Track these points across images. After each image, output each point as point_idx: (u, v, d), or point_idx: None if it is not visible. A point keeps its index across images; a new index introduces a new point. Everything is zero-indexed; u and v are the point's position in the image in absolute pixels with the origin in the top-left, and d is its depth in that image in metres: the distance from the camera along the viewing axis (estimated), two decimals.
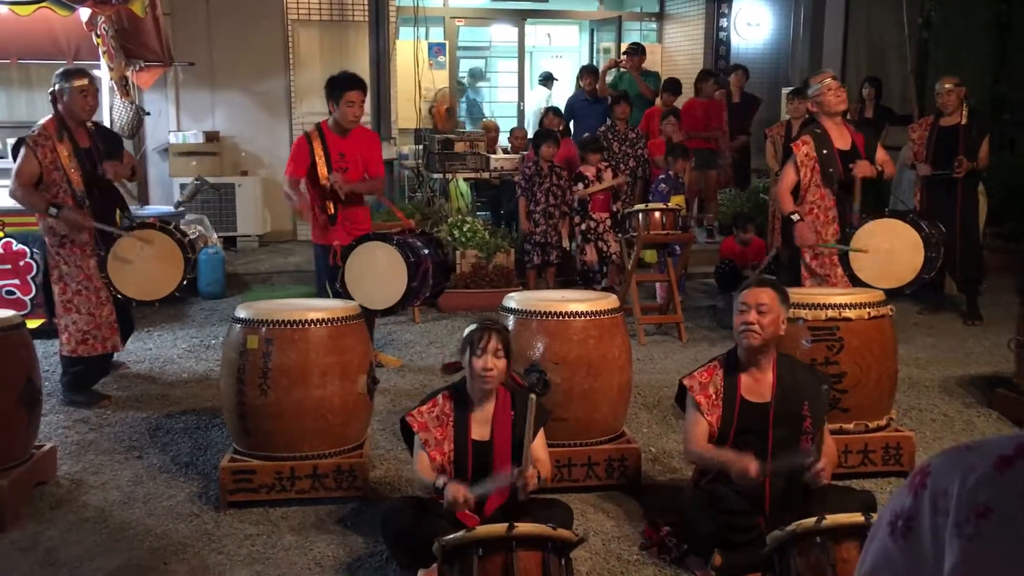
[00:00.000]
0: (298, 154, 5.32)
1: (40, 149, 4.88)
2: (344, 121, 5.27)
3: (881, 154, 5.41)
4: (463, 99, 12.92)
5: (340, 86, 5.25)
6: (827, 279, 5.24)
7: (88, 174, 5.00)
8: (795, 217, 5.24)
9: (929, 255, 4.98)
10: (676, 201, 7.09)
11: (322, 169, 5.24)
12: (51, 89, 5.01)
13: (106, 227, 4.97)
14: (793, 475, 3.32)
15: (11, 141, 8.00)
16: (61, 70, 5.10)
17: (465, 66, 13.37)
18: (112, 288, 4.92)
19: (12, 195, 4.98)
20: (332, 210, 5.29)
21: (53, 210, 4.86)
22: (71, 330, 5.01)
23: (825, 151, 5.24)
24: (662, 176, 7.52)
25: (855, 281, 5.02)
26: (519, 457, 3.23)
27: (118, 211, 5.25)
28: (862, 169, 5.20)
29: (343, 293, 4.81)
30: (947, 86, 6.77)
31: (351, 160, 5.35)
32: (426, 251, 5.13)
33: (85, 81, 5.02)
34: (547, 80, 12.10)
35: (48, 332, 5.87)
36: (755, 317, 3.31)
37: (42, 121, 5.01)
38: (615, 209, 7.54)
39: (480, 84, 13.55)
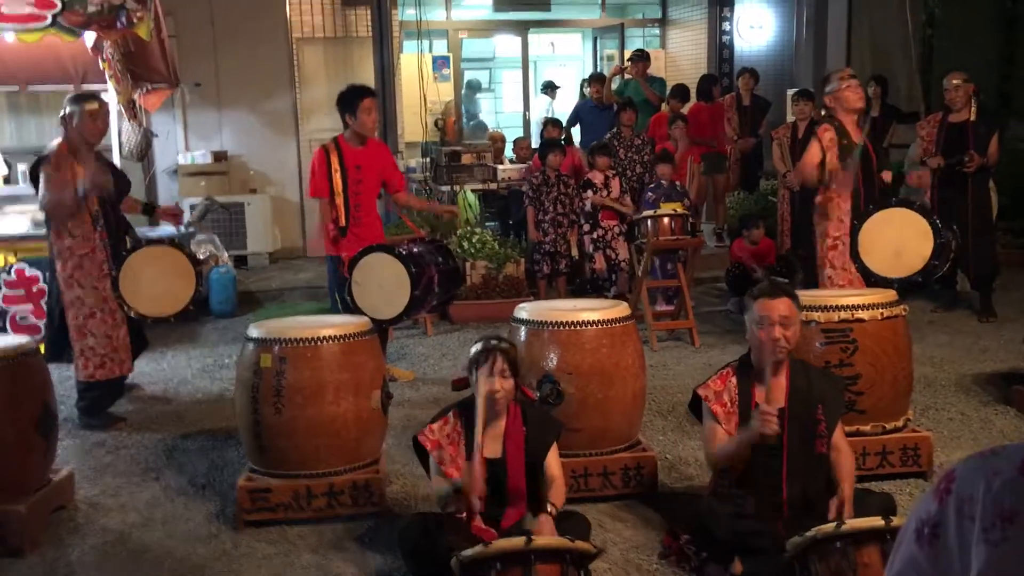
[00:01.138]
0: (318, 171, 5.40)
1: (61, 168, 4.93)
2: (364, 130, 5.39)
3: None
4: (477, 111, 12.98)
5: (354, 96, 5.36)
6: (846, 272, 5.21)
7: (101, 197, 5.04)
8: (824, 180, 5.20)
9: (938, 242, 4.96)
10: (670, 207, 7.03)
11: (337, 183, 5.32)
12: (62, 113, 5.05)
13: (111, 259, 5.00)
14: (809, 483, 3.30)
15: (22, 167, 8.09)
16: (72, 94, 5.16)
17: (473, 78, 13.42)
18: (126, 307, 4.94)
19: (45, 208, 4.97)
20: (344, 222, 5.36)
21: (81, 184, 4.86)
22: (88, 354, 5.02)
23: (844, 141, 5.25)
24: (652, 184, 7.51)
25: (866, 274, 5.01)
26: (533, 473, 3.22)
27: (126, 234, 5.29)
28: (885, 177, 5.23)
29: (351, 303, 4.85)
30: (955, 82, 6.74)
31: (366, 172, 5.44)
32: (432, 260, 5.16)
33: (95, 105, 5.07)
34: (550, 88, 12.11)
35: (58, 356, 5.88)
36: (780, 332, 3.28)
37: (53, 145, 5.05)
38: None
39: (478, 95, 13.57)
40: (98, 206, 5.00)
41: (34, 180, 5.02)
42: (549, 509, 3.14)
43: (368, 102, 5.34)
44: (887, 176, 5.51)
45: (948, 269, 5.56)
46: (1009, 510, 0.95)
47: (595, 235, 7.50)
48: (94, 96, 5.19)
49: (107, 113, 5.28)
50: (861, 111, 5.45)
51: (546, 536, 2.76)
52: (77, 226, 4.96)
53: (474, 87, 13.28)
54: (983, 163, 6.66)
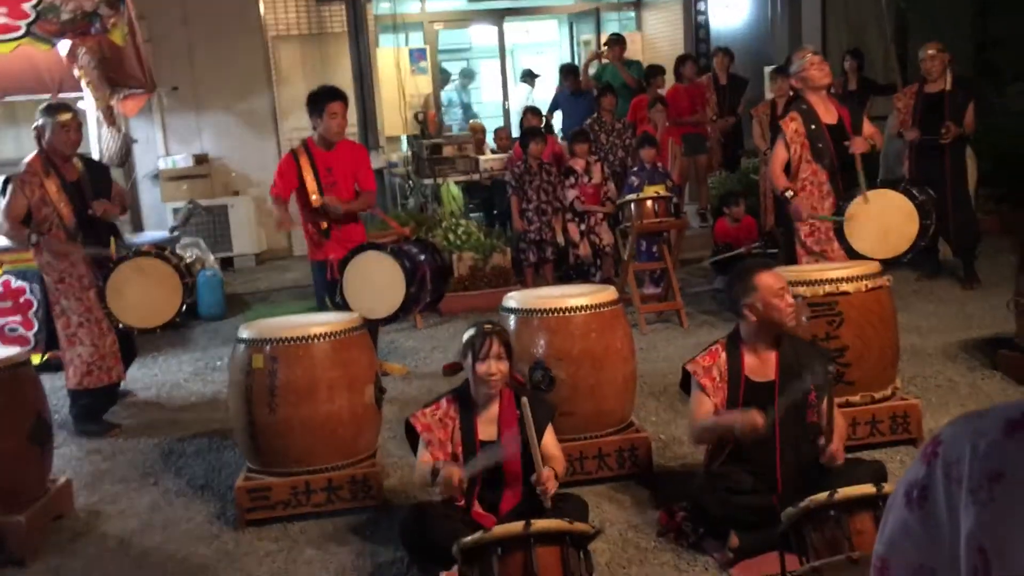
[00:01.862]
0: (285, 173, 5.33)
1: (28, 187, 4.91)
2: (329, 134, 5.30)
3: (868, 127, 5.43)
4: (457, 102, 12.95)
5: (321, 99, 5.27)
6: (824, 255, 5.26)
7: (79, 208, 5.02)
8: (789, 194, 5.26)
9: (924, 223, 5.01)
10: (652, 191, 7.07)
11: (311, 185, 5.26)
12: (35, 125, 5.03)
13: (95, 251, 4.99)
14: (801, 453, 3.35)
15: (1, 178, 8.04)
16: (44, 105, 5.12)
17: (450, 69, 13.38)
18: (113, 319, 4.94)
19: (4, 234, 5.06)
20: (325, 225, 5.32)
21: (34, 237, 4.92)
22: (76, 363, 5.03)
23: (813, 126, 5.26)
24: (635, 168, 7.54)
25: (852, 254, 5.05)
26: (528, 457, 3.26)
27: (112, 240, 5.27)
28: (858, 146, 5.22)
29: (343, 306, 4.83)
30: (930, 52, 6.77)
31: (339, 174, 5.35)
32: (422, 257, 5.15)
33: (67, 116, 5.02)
34: (529, 77, 12.10)
35: (53, 366, 5.89)
36: (791, 299, 3.40)
37: (27, 159, 5.03)
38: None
39: (472, 86, 13.55)
40: (75, 221, 4.97)
41: (3, 195, 5.02)
42: (548, 470, 3.16)
43: (335, 106, 5.23)
44: (860, 143, 5.40)
45: (929, 241, 5.62)
46: (995, 470, 0.97)
47: (581, 227, 7.53)
48: (66, 107, 5.15)
49: (80, 124, 5.22)
50: (828, 86, 5.47)
51: (545, 519, 2.79)
52: (52, 243, 4.95)
53: (468, 75, 13.24)
54: (960, 133, 6.71)
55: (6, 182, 4.99)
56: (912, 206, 5.04)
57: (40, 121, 5.00)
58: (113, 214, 5.28)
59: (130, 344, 5.44)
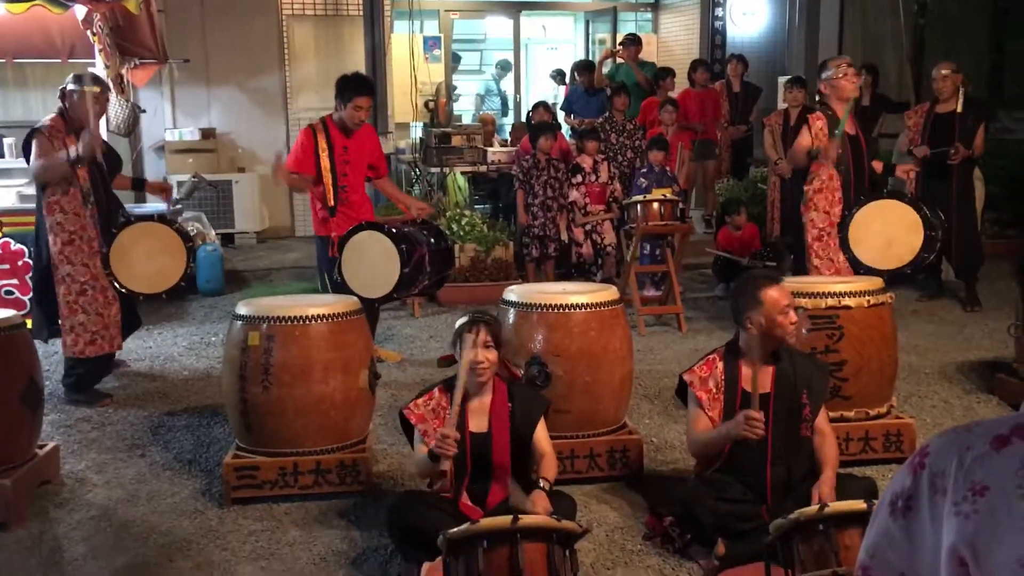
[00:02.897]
0: (302, 154, 5.36)
1: (53, 140, 4.90)
2: (350, 123, 5.37)
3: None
4: (496, 93, 12.92)
5: (350, 89, 5.31)
6: (831, 263, 5.24)
7: (94, 174, 5.01)
8: (814, 151, 5.26)
9: (928, 234, 4.99)
10: (660, 194, 7.05)
11: (325, 163, 5.32)
12: (63, 88, 5.02)
13: (102, 237, 4.96)
14: (793, 466, 3.33)
15: (8, 140, 8.01)
16: (77, 73, 5.13)
17: (465, 59, 13.34)
18: (117, 283, 4.92)
19: (35, 173, 4.94)
20: (332, 202, 5.34)
21: (73, 149, 4.83)
22: (78, 331, 4.99)
23: (836, 131, 5.27)
24: (643, 169, 7.52)
25: (856, 264, 5.04)
26: (519, 449, 3.25)
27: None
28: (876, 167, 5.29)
29: (341, 282, 4.83)
30: (943, 72, 6.76)
31: (354, 154, 5.44)
32: (424, 240, 5.15)
33: (98, 89, 5.07)
34: (559, 76, 12.14)
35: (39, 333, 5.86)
36: (795, 316, 3.36)
37: (46, 120, 5.02)
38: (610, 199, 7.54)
39: (509, 75, 13.50)
40: (89, 183, 4.97)
41: (26, 152, 4.98)
42: (543, 484, 3.17)
43: (361, 100, 5.30)
44: (878, 166, 5.54)
45: (934, 259, 5.60)
46: (980, 484, 0.98)
47: (588, 226, 7.50)
48: (100, 81, 5.21)
49: (107, 100, 5.27)
50: (854, 99, 5.49)
51: (532, 515, 2.77)
52: (68, 202, 4.93)
53: (505, 67, 13.20)
54: (968, 155, 6.69)
55: (29, 136, 4.96)
56: (918, 217, 5.03)
57: (71, 86, 5.00)
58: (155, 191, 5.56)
59: (134, 315, 5.44)
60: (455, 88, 12.54)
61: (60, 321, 5.02)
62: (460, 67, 13.13)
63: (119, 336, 5.18)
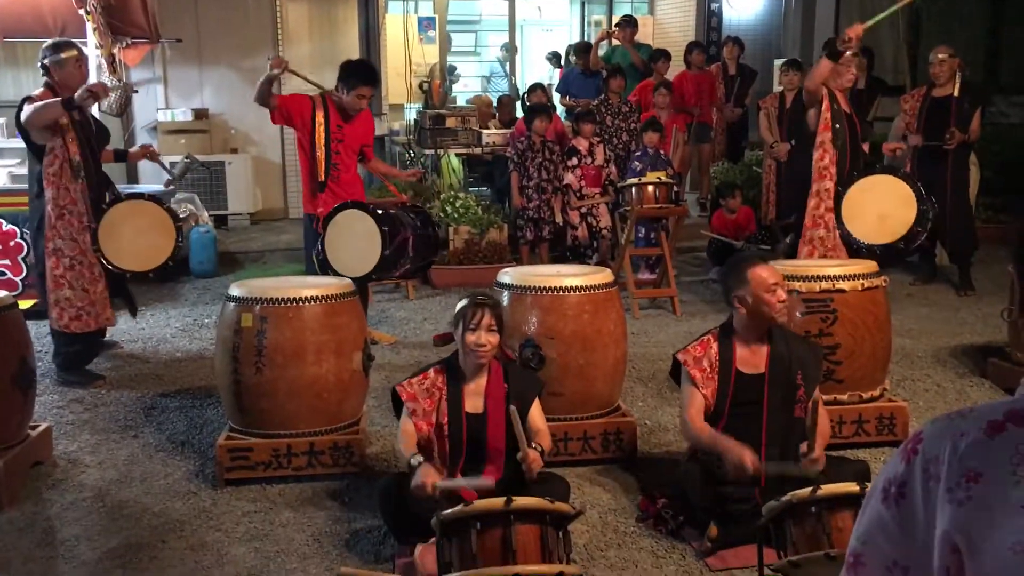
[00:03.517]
0: (295, 103, 5.37)
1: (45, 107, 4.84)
2: (350, 109, 5.42)
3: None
4: (502, 76, 12.89)
5: (355, 78, 5.34)
6: (823, 242, 5.26)
7: (84, 147, 4.98)
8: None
9: (921, 208, 5.00)
10: (654, 176, 7.04)
11: (319, 136, 5.36)
12: (42, 62, 4.98)
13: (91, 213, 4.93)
14: (788, 446, 3.34)
15: (1, 120, 7.95)
16: (49, 43, 5.09)
17: (456, 40, 13.27)
18: (105, 260, 4.91)
19: (29, 116, 4.81)
20: (323, 177, 5.35)
21: (80, 92, 4.76)
22: (63, 305, 4.95)
23: (836, 107, 5.32)
24: (638, 152, 7.49)
25: (849, 240, 5.05)
26: (512, 433, 3.24)
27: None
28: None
29: (323, 259, 4.84)
30: (940, 56, 6.74)
31: (348, 133, 5.48)
32: (410, 223, 5.13)
33: (74, 51, 5.05)
34: (555, 59, 12.09)
35: (41, 313, 5.84)
36: (783, 293, 3.35)
37: (37, 92, 4.98)
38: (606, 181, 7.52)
39: (480, 59, 13.47)
40: (80, 157, 4.93)
41: (19, 120, 4.92)
42: (535, 447, 3.18)
43: (366, 90, 5.36)
44: (865, 147, 5.57)
45: (927, 240, 5.61)
46: (974, 470, 0.97)
47: (581, 210, 7.49)
48: (72, 44, 5.16)
49: (86, 59, 5.23)
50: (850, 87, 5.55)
51: (526, 497, 2.77)
52: (58, 175, 4.88)
53: (510, 49, 13.16)
54: (964, 139, 6.69)
55: (21, 104, 4.93)
56: (910, 191, 5.04)
57: (49, 58, 4.97)
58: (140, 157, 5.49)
59: (127, 293, 5.44)
60: (455, 69, 12.49)
61: (47, 295, 4.99)
62: (454, 48, 13.06)
63: (107, 311, 5.14)
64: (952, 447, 0.99)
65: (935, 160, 6.74)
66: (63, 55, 4.96)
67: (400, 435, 3.27)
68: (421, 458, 3.13)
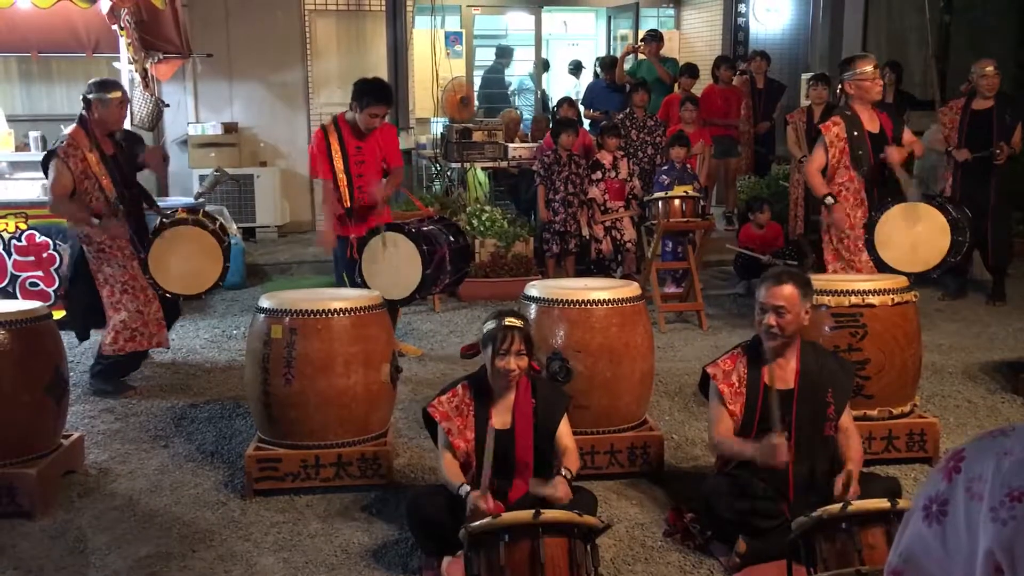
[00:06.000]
0: (318, 152, 5.40)
1: (72, 160, 4.90)
2: (364, 127, 5.37)
3: (908, 135, 5.41)
4: (530, 87, 12.95)
5: (368, 97, 5.29)
6: (852, 264, 5.22)
7: (117, 180, 5.03)
8: (829, 200, 5.22)
9: (956, 238, 4.95)
10: (681, 190, 7.03)
11: (339, 164, 5.33)
12: (86, 96, 5.02)
13: (137, 242, 5.02)
14: (815, 464, 3.32)
15: (33, 134, 8.10)
16: (96, 80, 5.13)
17: (481, 55, 13.33)
18: (159, 288, 5.00)
19: (52, 210, 5.07)
20: (348, 203, 5.34)
21: (95, 220, 4.91)
22: (118, 328, 5.03)
23: (856, 133, 5.24)
24: (664, 167, 7.48)
25: (881, 266, 5.00)
26: (541, 445, 3.24)
27: (146, 206, 5.30)
28: (893, 155, 5.20)
29: (362, 285, 4.84)
30: (988, 69, 6.66)
31: (368, 152, 5.43)
32: (443, 238, 5.15)
33: (119, 93, 5.10)
34: (576, 70, 12.11)
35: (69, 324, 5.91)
36: (774, 320, 3.31)
37: (67, 131, 5.00)
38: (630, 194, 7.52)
39: (509, 72, 13.50)
40: (114, 191, 4.97)
41: (45, 170, 5.03)
42: (564, 473, 3.17)
43: (378, 109, 5.30)
44: (896, 155, 5.37)
45: (959, 261, 5.56)
46: (1018, 490, 0.96)
47: (608, 222, 7.49)
48: (118, 85, 5.23)
49: (128, 101, 5.32)
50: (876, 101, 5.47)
51: (554, 510, 2.77)
52: (112, 228, 4.95)
53: (543, 66, 13.21)
54: (1012, 153, 6.63)
55: (47, 157, 4.99)
56: (944, 220, 4.98)
57: (93, 95, 4.99)
58: (158, 160, 5.44)
59: (175, 307, 5.51)
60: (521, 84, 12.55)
61: (105, 319, 5.07)
62: (477, 62, 13.12)
63: (160, 333, 5.19)
64: (996, 466, 0.98)
65: (980, 173, 6.67)
66: (109, 95, 4.98)
67: (442, 468, 3.25)
68: (468, 488, 3.10)
